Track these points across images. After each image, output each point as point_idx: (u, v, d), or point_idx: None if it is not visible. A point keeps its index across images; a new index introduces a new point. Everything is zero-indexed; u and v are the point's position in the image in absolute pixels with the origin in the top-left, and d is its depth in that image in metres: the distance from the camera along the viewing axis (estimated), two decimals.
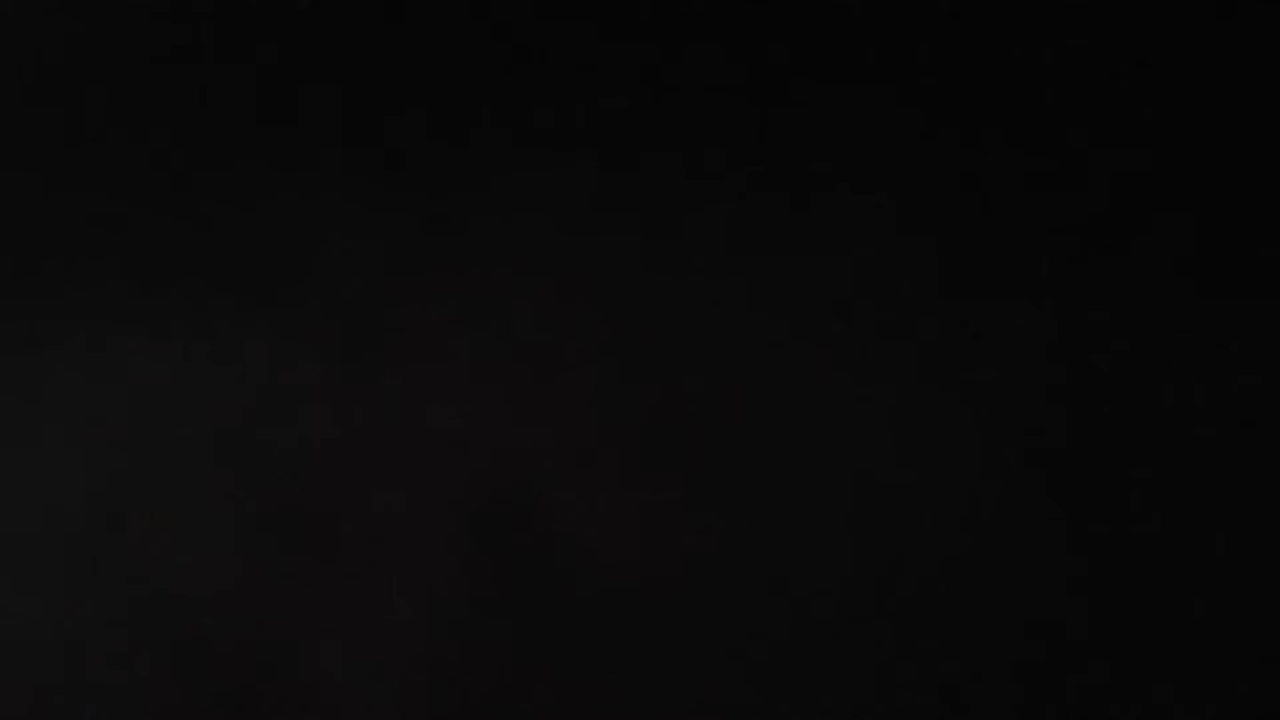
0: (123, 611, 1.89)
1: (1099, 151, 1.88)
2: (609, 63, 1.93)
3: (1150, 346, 1.85)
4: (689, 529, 1.86)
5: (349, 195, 1.94)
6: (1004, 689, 1.82)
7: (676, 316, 1.89)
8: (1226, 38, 1.87)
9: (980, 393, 1.85)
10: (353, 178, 1.94)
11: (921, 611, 1.83)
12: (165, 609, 1.89)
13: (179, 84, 1.96)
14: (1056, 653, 1.82)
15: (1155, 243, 1.86)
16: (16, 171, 1.97)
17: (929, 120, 1.89)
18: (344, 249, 1.92)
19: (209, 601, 1.89)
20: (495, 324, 1.90)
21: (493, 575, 1.87)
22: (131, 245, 1.94)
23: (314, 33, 1.96)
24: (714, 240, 1.90)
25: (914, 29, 1.90)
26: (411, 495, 1.89)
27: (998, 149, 1.88)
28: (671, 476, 1.87)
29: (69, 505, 1.91)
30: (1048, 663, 1.82)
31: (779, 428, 1.87)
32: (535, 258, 1.91)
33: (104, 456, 1.91)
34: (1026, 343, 1.86)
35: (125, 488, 1.90)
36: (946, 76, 1.90)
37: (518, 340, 1.90)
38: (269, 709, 1.87)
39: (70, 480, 1.91)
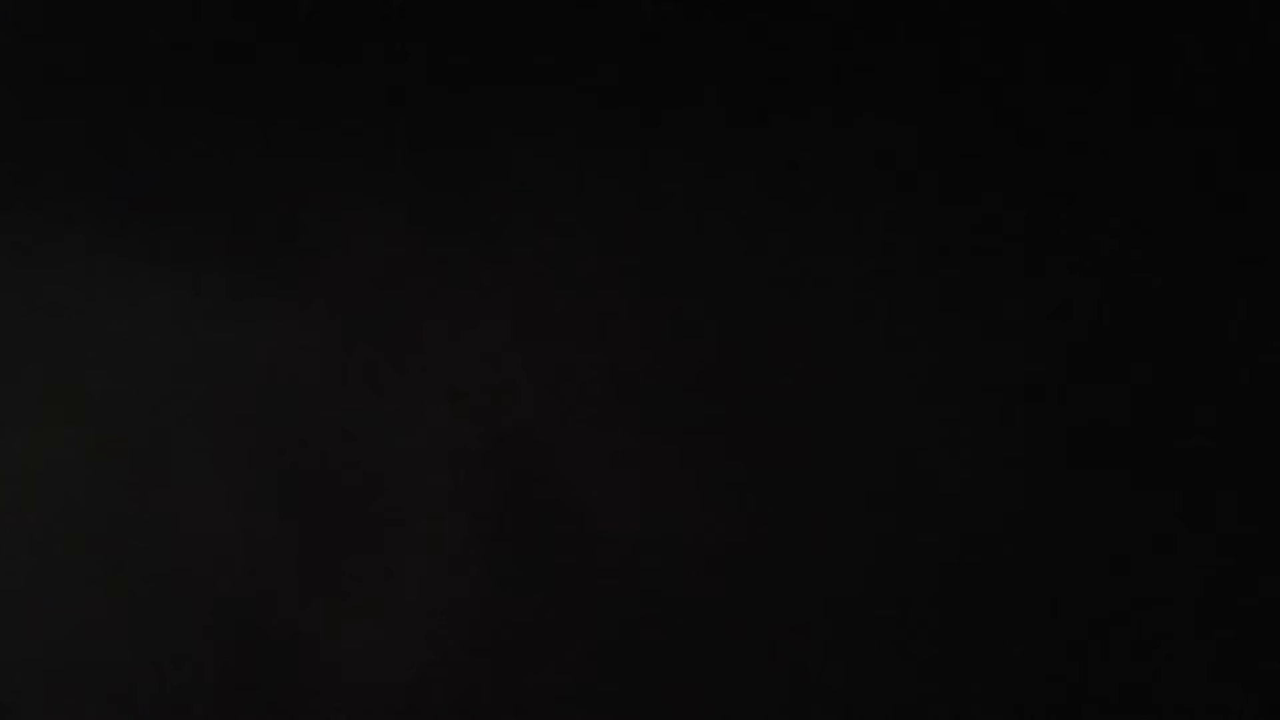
0: (130, 590, 1.89)
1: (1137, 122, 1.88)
2: (627, 30, 1.92)
3: (1192, 340, 1.85)
4: (705, 504, 1.86)
5: (363, 169, 1.93)
6: (1030, 670, 1.82)
7: (702, 288, 1.88)
8: (1234, 29, 1.87)
9: (1011, 371, 1.85)
10: (365, 153, 1.93)
11: (950, 591, 1.83)
12: (178, 586, 1.89)
13: (193, 67, 1.95)
14: (1091, 635, 1.82)
15: (1183, 230, 1.86)
16: (18, 159, 1.96)
17: (977, 103, 1.89)
18: (358, 223, 1.92)
19: (223, 578, 1.88)
20: (512, 297, 1.90)
21: (504, 551, 1.87)
22: (140, 225, 1.94)
23: (331, 7, 1.95)
24: (729, 213, 1.89)
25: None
26: (428, 466, 1.88)
27: (1042, 129, 1.88)
28: (686, 451, 1.86)
29: (78, 488, 1.90)
30: (1082, 645, 1.82)
31: (809, 404, 1.86)
32: (553, 226, 1.90)
33: (115, 434, 1.90)
34: (1067, 327, 1.86)
35: (139, 466, 1.90)
36: (992, 62, 1.90)
37: (537, 312, 1.89)
38: (284, 683, 1.87)
39: (80, 462, 1.90)
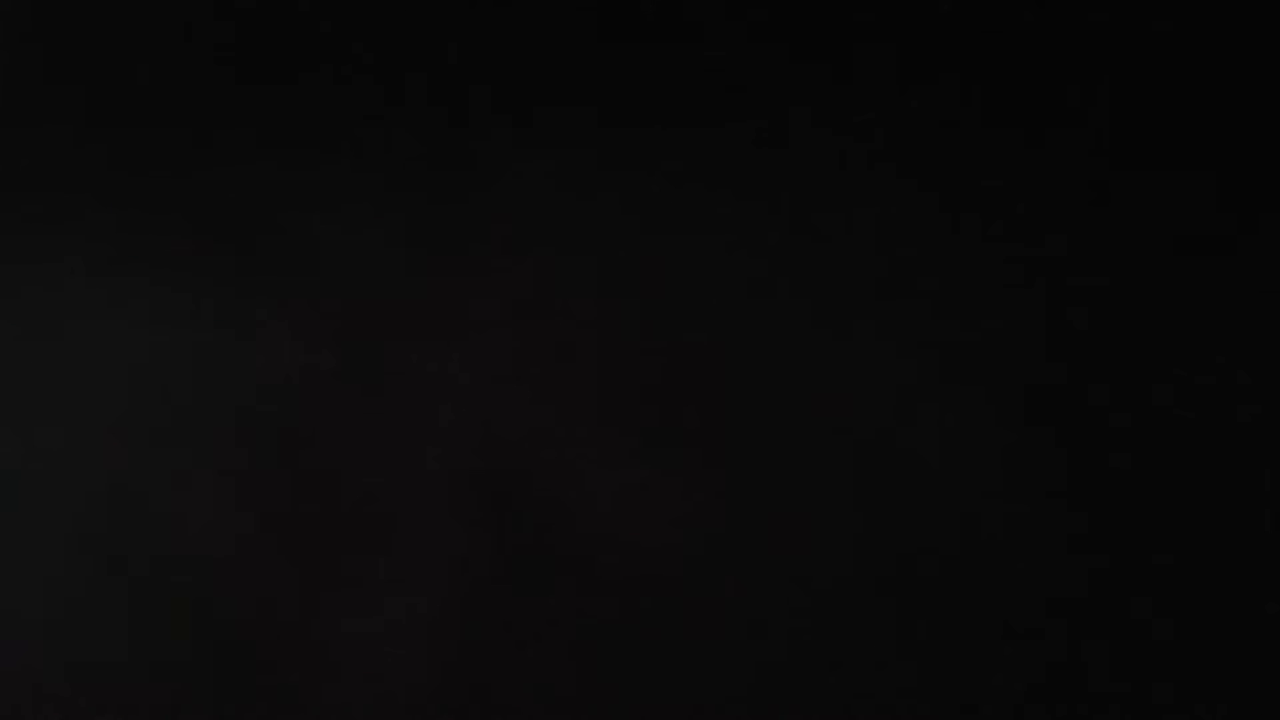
0: (129, 591, 1.89)
1: (1097, 104, 1.88)
2: (614, 38, 1.92)
3: (1161, 320, 1.85)
4: (699, 507, 1.86)
5: (361, 179, 1.93)
6: (1012, 660, 1.82)
7: (682, 295, 1.88)
8: (1235, 31, 1.87)
9: (993, 360, 1.85)
10: (363, 163, 1.93)
11: (946, 589, 1.83)
12: (177, 589, 1.89)
13: (190, 75, 1.96)
14: (1067, 623, 1.82)
15: (1153, 211, 1.86)
16: (16, 163, 1.96)
17: (972, 100, 1.89)
18: (356, 232, 1.92)
19: (222, 582, 1.89)
20: (508, 306, 1.90)
21: (500, 554, 1.87)
22: (138, 231, 1.94)
23: (329, 16, 1.95)
24: (719, 217, 1.89)
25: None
26: (426, 473, 1.88)
27: (1011, 114, 1.88)
28: (680, 455, 1.86)
29: (76, 490, 1.91)
30: (1059, 632, 1.82)
31: (786, 402, 1.86)
32: (549, 238, 1.91)
33: (113, 439, 1.91)
34: (1041, 309, 1.85)
35: (137, 470, 1.91)
36: (961, 49, 1.89)
37: (533, 322, 1.89)
38: (283, 685, 1.87)
39: (78, 465, 1.91)
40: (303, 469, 1.90)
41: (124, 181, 1.95)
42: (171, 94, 1.96)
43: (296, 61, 1.95)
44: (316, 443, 1.90)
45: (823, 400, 1.86)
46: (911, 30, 1.89)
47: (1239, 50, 1.86)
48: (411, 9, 1.95)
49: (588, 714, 1.85)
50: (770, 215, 1.89)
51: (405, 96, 1.93)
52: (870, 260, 1.87)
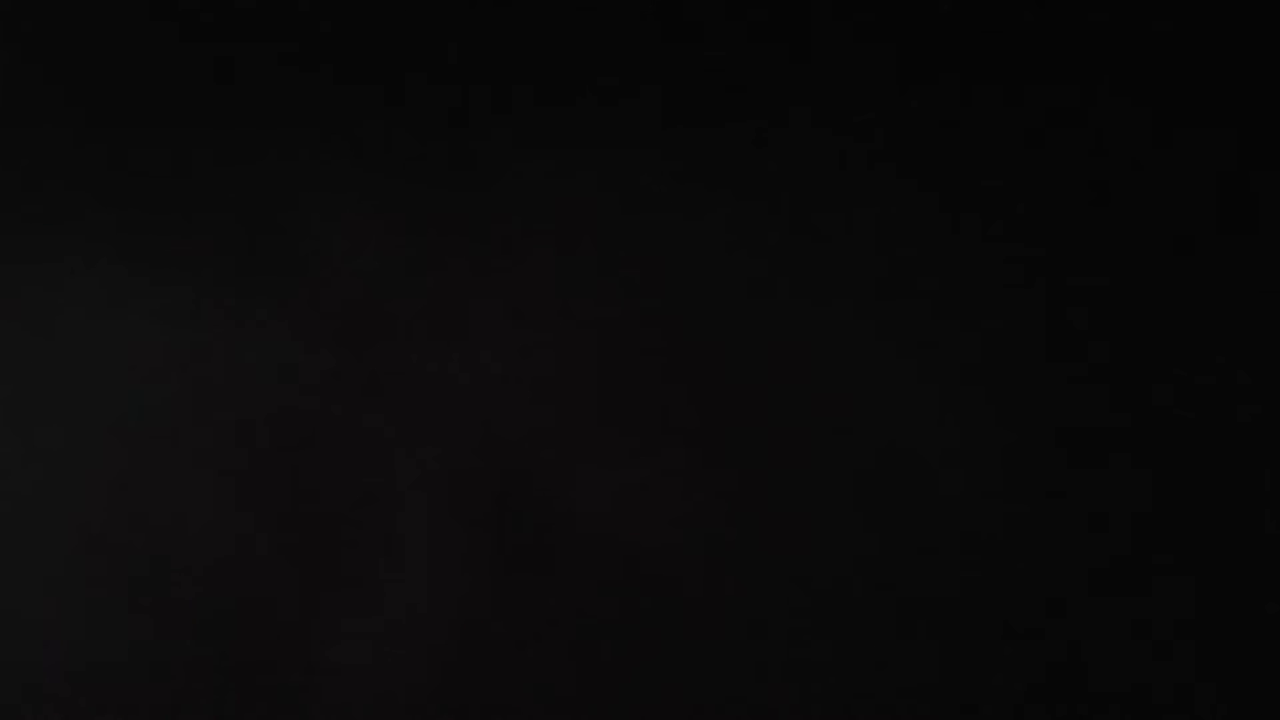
0: (129, 592, 1.89)
1: (1106, 99, 1.88)
2: (614, 38, 1.93)
3: (1168, 322, 1.85)
4: (699, 507, 1.86)
5: (361, 177, 1.93)
6: (1012, 660, 1.82)
7: (682, 295, 1.88)
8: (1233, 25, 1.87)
9: (993, 360, 1.85)
10: (363, 161, 1.94)
11: (932, 584, 1.83)
12: (177, 590, 1.89)
13: (190, 75, 1.96)
14: (1067, 623, 1.82)
15: (1158, 219, 1.86)
16: (15, 165, 1.97)
17: (941, 92, 1.89)
18: (357, 231, 1.92)
19: (222, 583, 1.89)
20: (509, 306, 1.90)
21: (499, 554, 1.87)
22: (137, 231, 1.94)
23: (325, 19, 1.95)
24: (719, 217, 1.90)
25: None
26: (419, 474, 1.89)
27: (1011, 114, 1.88)
28: (681, 455, 1.86)
29: (76, 491, 1.91)
30: (1059, 632, 1.82)
31: (786, 402, 1.87)
32: (551, 236, 1.91)
33: (112, 440, 1.91)
34: (1041, 309, 1.85)
35: (137, 470, 1.91)
36: (969, 49, 1.89)
37: (534, 321, 1.90)
38: (281, 686, 1.87)
39: (77, 466, 1.91)
40: (303, 469, 1.90)
41: (124, 181, 1.95)
42: (171, 94, 1.96)
43: (297, 61, 1.95)
44: (316, 443, 1.90)
45: (823, 400, 1.86)
46: (911, 30, 1.90)
47: (1239, 50, 1.86)
48: (411, 9, 1.95)
49: (588, 714, 1.85)
50: (770, 215, 1.89)
51: (405, 96, 1.94)
52: (870, 260, 1.87)
